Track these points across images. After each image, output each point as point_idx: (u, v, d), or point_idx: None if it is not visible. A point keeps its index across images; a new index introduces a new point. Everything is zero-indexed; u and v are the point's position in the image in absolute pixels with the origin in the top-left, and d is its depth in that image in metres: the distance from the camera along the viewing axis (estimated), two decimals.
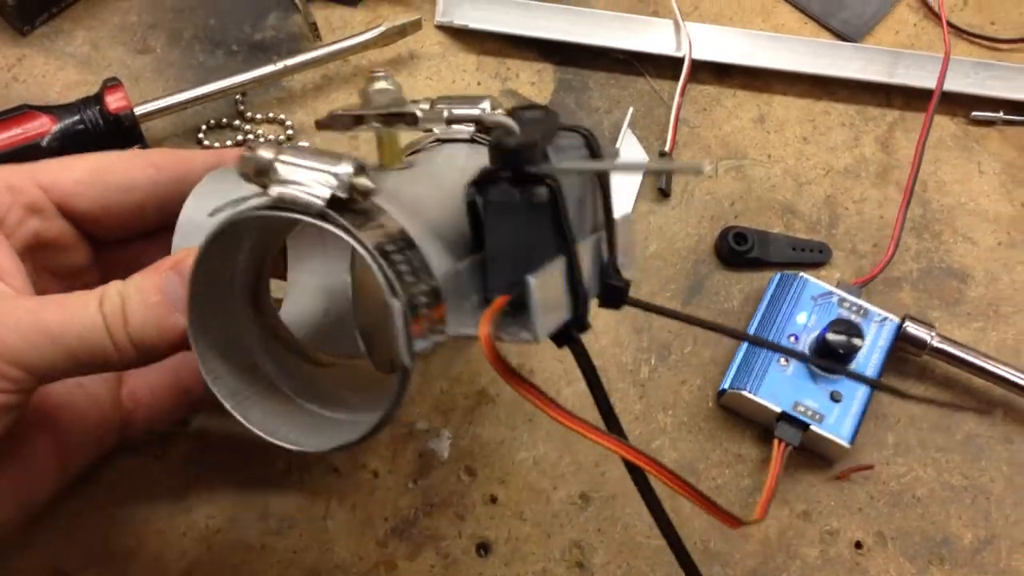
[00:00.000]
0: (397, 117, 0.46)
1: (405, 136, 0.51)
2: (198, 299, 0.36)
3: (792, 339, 0.56)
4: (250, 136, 0.62)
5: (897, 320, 0.58)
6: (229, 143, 0.62)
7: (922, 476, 0.57)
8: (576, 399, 0.55)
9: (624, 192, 0.63)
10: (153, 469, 0.51)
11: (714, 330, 0.57)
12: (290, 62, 0.62)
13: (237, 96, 0.63)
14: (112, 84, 0.57)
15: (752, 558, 0.54)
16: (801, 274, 0.59)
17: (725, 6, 0.72)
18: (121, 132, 0.57)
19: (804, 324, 0.56)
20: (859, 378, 0.55)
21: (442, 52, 0.67)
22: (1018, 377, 0.58)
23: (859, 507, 0.56)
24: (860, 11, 0.73)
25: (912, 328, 0.58)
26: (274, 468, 0.52)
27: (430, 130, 0.48)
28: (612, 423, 0.37)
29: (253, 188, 0.35)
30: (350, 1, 0.68)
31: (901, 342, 0.58)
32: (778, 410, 0.54)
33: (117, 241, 0.47)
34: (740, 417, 0.57)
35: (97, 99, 0.57)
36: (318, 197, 0.33)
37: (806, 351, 0.55)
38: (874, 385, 0.56)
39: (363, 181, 0.34)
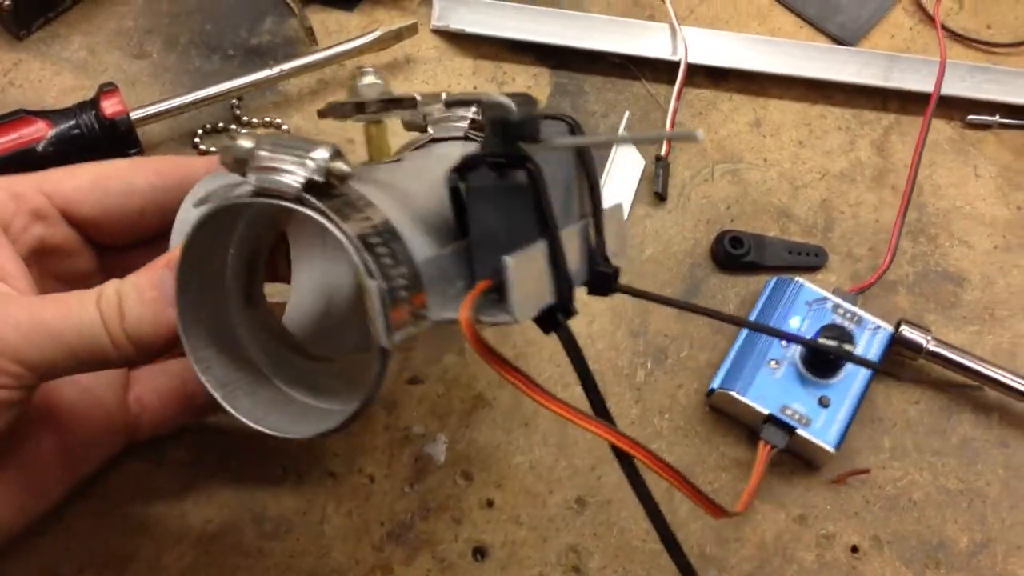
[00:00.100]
0: (396, 102, 0.47)
1: (404, 137, 0.51)
2: (187, 290, 0.37)
3: (784, 343, 0.56)
4: None
5: (891, 329, 0.58)
6: None
7: (918, 480, 0.57)
8: (572, 403, 0.55)
9: (620, 195, 0.64)
10: (150, 473, 0.51)
11: (709, 316, 0.57)
12: (286, 66, 0.62)
13: (233, 100, 0.63)
14: (108, 89, 0.57)
15: (748, 562, 0.54)
16: (796, 278, 0.59)
17: (721, 10, 0.72)
18: (117, 137, 0.57)
19: (797, 328, 0.57)
20: (860, 361, 0.56)
21: (438, 56, 0.67)
22: (1014, 381, 0.58)
23: (855, 511, 0.56)
24: (856, 15, 0.73)
25: (908, 332, 0.58)
26: (271, 472, 0.52)
27: (425, 129, 0.49)
28: (600, 409, 0.37)
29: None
30: (346, 5, 0.68)
31: (897, 346, 0.58)
32: (765, 412, 0.54)
33: (121, 247, 0.48)
34: (736, 421, 0.57)
35: (93, 104, 0.57)
36: (294, 182, 0.34)
37: (797, 356, 0.55)
38: (874, 368, 0.57)
39: (339, 165, 0.34)
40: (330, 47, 0.63)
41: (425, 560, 0.52)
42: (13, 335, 0.37)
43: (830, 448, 0.54)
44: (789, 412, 0.54)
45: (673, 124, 0.66)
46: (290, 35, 0.66)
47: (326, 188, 0.34)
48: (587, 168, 0.41)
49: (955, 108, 0.70)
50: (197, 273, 0.38)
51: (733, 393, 0.55)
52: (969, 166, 0.68)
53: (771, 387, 0.55)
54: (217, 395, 0.38)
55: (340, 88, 0.65)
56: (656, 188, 0.64)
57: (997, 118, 0.70)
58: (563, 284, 0.37)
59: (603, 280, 0.41)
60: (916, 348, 0.58)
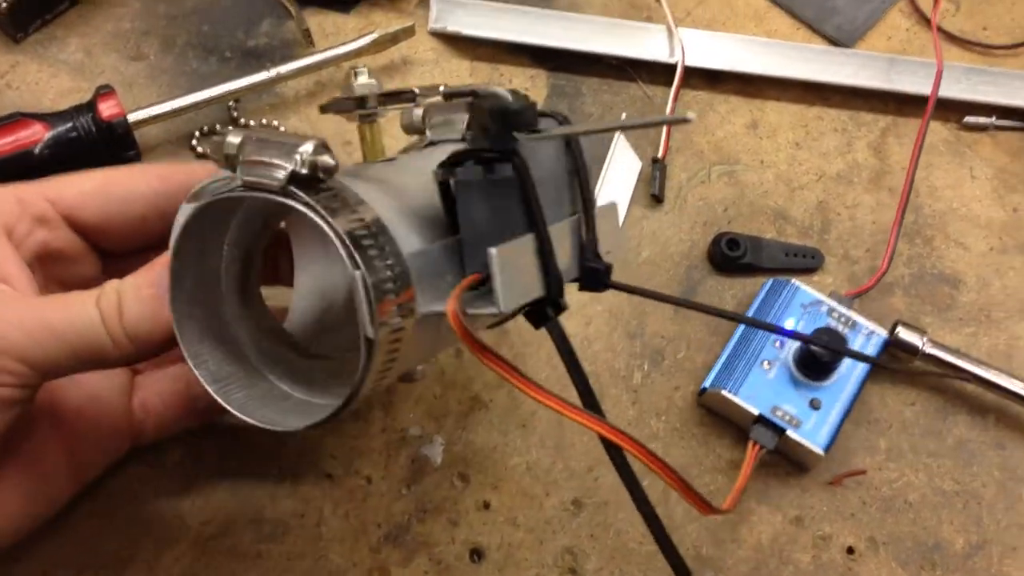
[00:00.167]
0: (396, 95, 0.47)
1: (402, 141, 0.51)
2: (181, 286, 0.38)
3: (777, 344, 0.56)
4: None
5: (885, 334, 0.58)
6: None
7: (914, 481, 0.57)
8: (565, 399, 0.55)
9: (617, 197, 0.64)
10: (148, 476, 0.51)
11: (704, 311, 0.57)
12: (283, 69, 0.62)
13: (230, 103, 0.63)
14: (105, 91, 0.57)
15: (745, 564, 0.54)
16: (793, 281, 0.59)
17: (718, 12, 0.72)
18: (114, 139, 0.57)
19: (791, 332, 0.56)
20: (857, 356, 0.56)
21: (435, 58, 0.68)
22: (1009, 383, 0.58)
23: (851, 512, 0.56)
24: (852, 16, 0.73)
25: (904, 334, 0.58)
26: (268, 475, 0.52)
27: (422, 132, 0.49)
28: (589, 401, 0.37)
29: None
30: (343, 8, 0.68)
31: (893, 348, 0.58)
32: (755, 412, 0.54)
33: (124, 252, 0.48)
34: (732, 424, 0.57)
35: (90, 106, 0.57)
36: (280, 175, 0.34)
37: (790, 358, 0.55)
38: (872, 362, 0.57)
39: (325, 159, 0.35)
40: (327, 49, 0.63)
41: (422, 562, 0.52)
42: (15, 334, 0.38)
43: (819, 450, 0.54)
44: (780, 413, 0.54)
45: (670, 126, 0.66)
46: (287, 37, 0.66)
47: (313, 181, 0.35)
48: (577, 163, 0.42)
49: (951, 110, 0.70)
50: (191, 269, 0.39)
51: (724, 392, 0.55)
52: (965, 168, 0.69)
53: (763, 388, 0.55)
54: (210, 388, 0.39)
55: (337, 90, 0.65)
56: (653, 190, 0.64)
57: (993, 120, 0.70)
58: (551, 277, 0.37)
59: (594, 276, 0.41)
60: (912, 350, 0.58)
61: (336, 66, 0.65)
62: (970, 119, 0.70)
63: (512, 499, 0.54)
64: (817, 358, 0.54)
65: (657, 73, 0.69)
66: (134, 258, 0.48)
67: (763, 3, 0.73)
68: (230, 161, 0.36)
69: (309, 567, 0.51)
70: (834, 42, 0.72)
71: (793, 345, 0.56)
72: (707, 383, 0.56)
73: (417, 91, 0.46)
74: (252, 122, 0.63)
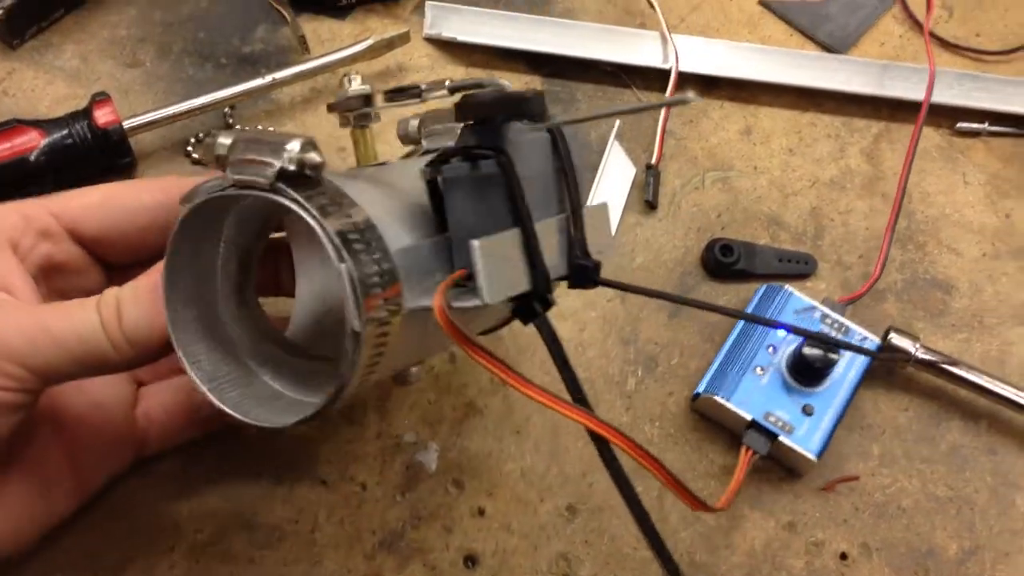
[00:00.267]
0: (402, 92, 0.47)
1: (396, 149, 0.52)
2: (175, 286, 0.39)
3: (770, 350, 0.56)
4: None
5: (877, 340, 0.58)
6: None
7: (907, 487, 0.57)
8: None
9: (611, 204, 0.64)
10: (142, 483, 0.51)
11: (698, 307, 0.57)
12: (279, 75, 0.62)
13: (226, 109, 0.63)
14: (100, 98, 0.57)
15: (738, 570, 0.54)
16: (786, 287, 0.59)
17: (712, 18, 0.73)
18: (110, 146, 0.57)
19: (784, 337, 0.57)
20: (855, 349, 0.56)
21: (430, 64, 0.68)
22: (1002, 388, 0.58)
23: (844, 518, 0.56)
24: (845, 23, 0.73)
25: (896, 339, 0.58)
26: (263, 481, 0.52)
27: (418, 142, 0.49)
28: (577, 395, 0.36)
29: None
30: (339, 14, 0.68)
31: (886, 353, 0.59)
32: (748, 418, 0.54)
33: (128, 265, 0.48)
34: (726, 430, 0.57)
35: (85, 113, 0.57)
36: (269, 172, 0.35)
37: (783, 364, 0.56)
38: (872, 355, 0.57)
39: (312, 156, 0.35)
40: (322, 55, 0.64)
41: (416, 569, 0.52)
42: (15, 339, 0.38)
43: (812, 456, 0.54)
44: (772, 419, 0.54)
45: (664, 132, 0.66)
46: (283, 44, 0.66)
47: (301, 179, 0.36)
48: (563, 160, 0.42)
49: (944, 116, 0.70)
50: (186, 270, 0.39)
51: (717, 398, 0.55)
52: (958, 174, 0.69)
53: (756, 393, 0.55)
54: (204, 388, 0.39)
55: (333, 97, 0.65)
56: (647, 196, 0.64)
57: (986, 126, 0.70)
58: (537, 271, 0.37)
59: (583, 272, 0.41)
60: (905, 356, 0.58)
61: (332, 72, 0.65)
62: (963, 125, 0.70)
63: (506, 505, 0.54)
64: (810, 364, 0.54)
65: (651, 79, 0.69)
66: (137, 270, 0.49)
67: (757, 9, 0.74)
68: (221, 162, 0.37)
69: (303, 574, 0.51)
70: (827, 48, 0.72)
71: (786, 351, 0.56)
72: (700, 389, 0.56)
73: (423, 87, 0.47)
74: (247, 128, 0.63)
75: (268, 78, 0.62)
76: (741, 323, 0.58)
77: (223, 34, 0.66)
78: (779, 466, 0.57)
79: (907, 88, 0.69)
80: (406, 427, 0.55)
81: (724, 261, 0.62)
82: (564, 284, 0.40)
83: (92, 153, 0.57)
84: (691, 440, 0.57)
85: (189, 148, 0.62)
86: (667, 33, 0.69)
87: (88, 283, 0.48)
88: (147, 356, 0.40)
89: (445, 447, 0.55)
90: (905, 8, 0.75)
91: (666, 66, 0.68)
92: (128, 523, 0.51)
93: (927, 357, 0.58)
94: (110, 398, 0.48)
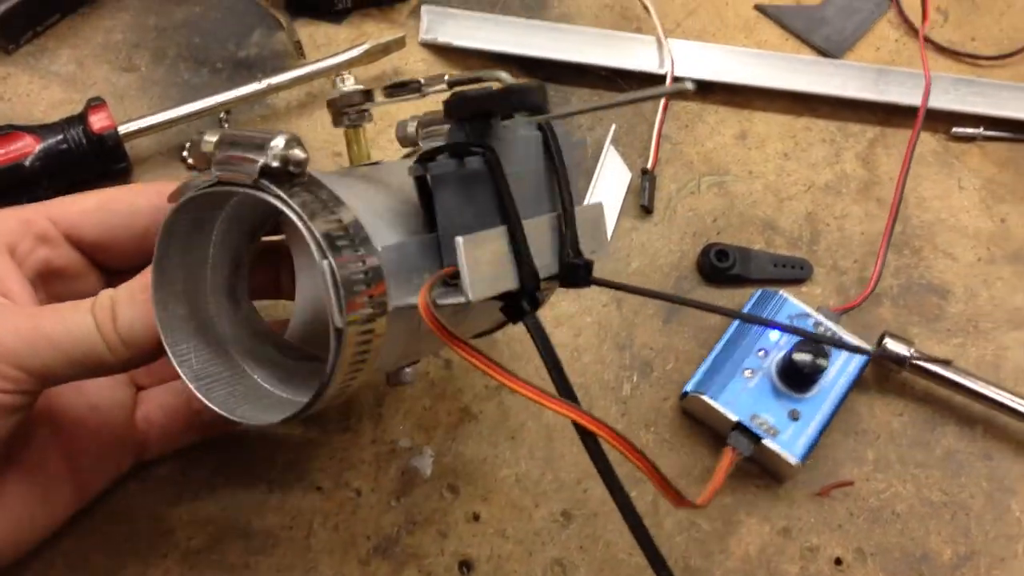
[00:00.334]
0: (402, 86, 0.47)
1: (390, 152, 0.52)
2: (165, 285, 0.39)
3: (761, 353, 0.56)
4: None
5: (869, 350, 0.58)
6: None
7: (902, 492, 0.58)
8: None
9: (606, 208, 0.64)
10: (136, 489, 0.51)
11: (692, 306, 0.57)
12: (274, 80, 0.62)
13: (221, 114, 0.63)
14: (96, 104, 0.57)
15: (733, 575, 0.54)
16: (781, 292, 0.59)
17: (708, 23, 0.73)
18: (105, 151, 0.57)
19: (775, 341, 0.57)
20: (849, 347, 0.56)
21: (426, 69, 0.68)
22: (997, 394, 0.58)
23: (839, 523, 0.56)
24: (841, 27, 0.73)
25: (891, 344, 0.59)
26: (257, 488, 0.52)
27: (416, 144, 0.49)
28: (565, 390, 0.36)
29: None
30: (334, 19, 0.68)
31: (880, 358, 0.59)
32: (735, 419, 0.54)
33: (125, 269, 0.48)
34: (720, 435, 0.57)
35: (81, 119, 0.57)
36: (252, 169, 0.35)
37: (773, 368, 0.56)
38: (868, 354, 0.58)
39: (295, 152, 0.36)
40: (318, 60, 0.64)
41: (411, 574, 0.52)
42: (12, 341, 0.39)
43: (794, 461, 0.54)
44: (758, 421, 0.54)
45: (659, 136, 0.66)
46: (278, 48, 0.66)
47: (285, 175, 0.36)
48: (554, 158, 0.42)
49: (940, 120, 0.70)
50: (176, 268, 0.40)
51: (704, 397, 0.55)
52: (953, 178, 0.69)
53: (743, 395, 0.55)
54: (192, 386, 0.40)
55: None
56: (642, 201, 0.64)
57: (981, 130, 0.70)
58: (525, 269, 0.37)
59: (574, 271, 0.41)
60: (899, 361, 0.58)
61: (327, 77, 0.65)
62: (958, 130, 0.70)
63: (501, 511, 0.54)
64: (799, 369, 0.54)
65: (647, 84, 0.69)
66: (134, 275, 0.49)
67: (752, 14, 0.74)
68: (208, 159, 0.37)
69: None
70: (823, 53, 0.72)
71: (776, 356, 0.56)
72: (688, 387, 0.56)
73: (422, 81, 0.47)
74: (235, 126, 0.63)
75: (263, 83, 0.62)
76: (734, 325, 0.59)
77: (218, 39, 0.66)
78: (763, 470, 0.57)
79: (902, 93, 0.69)
80: (401, 433, 0.55)
81: (719, 266, 0.62)
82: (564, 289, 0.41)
83: (87, 159, 0.57)
84: (686, 445, 0.57)
85: (184, 153, 0.62)
86: (663, 38, 0.69)
87: (86, 288, 0.48)
88: (143, 357, 0.40)
89: (440, 452, 0.55)
90: (900, 13, 0.75)
91: (662, 71, 0.68)
92: (122, 530, 0.51)
93: (921, 362, 0.58)
94: (109, 401, 0.48)
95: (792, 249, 0.65)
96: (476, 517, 0.54)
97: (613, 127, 0.66)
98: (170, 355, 0.40)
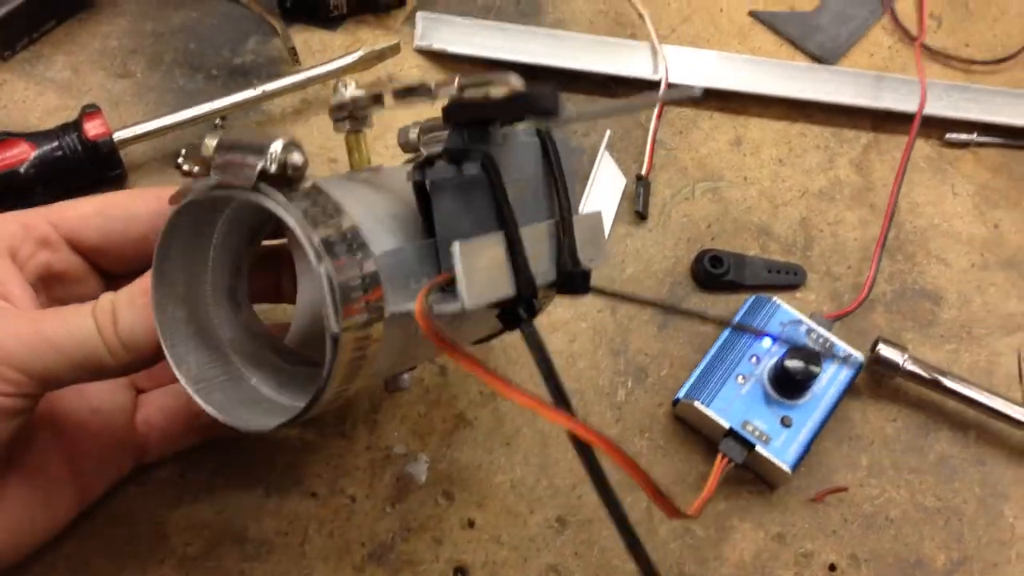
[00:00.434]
0: (412, 91, 0.47)
1: (400, 157, 0.52)
2: (165, 288, 0.39)
3: (753, 360, 0.57)
4: None
5: (862, 357, 0.58)
6: None
7: (895, 498, 0.58)
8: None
9: (602, 214, 0.64)
10: (132, 495, 0.51)
11: (685, 315, 0.58)
12: (269, 87, 0.62)
13: (217, 120, 0.63)
14: (91, 111, 0.57)
15: None
16: (774, 298, 0.59)
17: (702, 29, 0.73)
18: (100, 158, 0.57)
19: (768, 348, 0.57)
20: (838, 357, 0.56)
21: (421, 75, 0.68)
22: (990, 399, 0.59)
23: (833, 529, 0.56)
24: (835, 34, 0.74)
25: (885, 350, 0.59)
26: (253, 494, 0.53)
27: (418, 151, 0.49)
28: (560, 399, 0.36)
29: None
30: (329, 25, 0.68)
31: (874, 364, 0.59)
32: (726, 426, 0.55)
33: (126, 274, 0.49)
34: (713, 442, 0.57)
35: (76, 126, 0.57)
36: (250, 173, 0.35)
37: (765, 374, 0.56)
38: (862, 365, 0.58)
39: (294, 156, 0.36)
40: (313, 67, 0.64)
41: None
42: (14, 344, 0.39)
43: (786, 468, 0.54)
44: (750, 428, 0.54)
45: (654, 142, 0.66)
46: (273, 55, 0.66)
47: (284, 180, 0.36)
48: (553, 165, 0.42)
49: (933, 126, 0.70)
50: (176, 271, 0.40)
51: (696, 404, 0.55)
52: (947, 184, 0.69)
53: (735, 402, 0.55)
54: (189, 389, 0.40)
55: (324, 108, 0.65)
56: (637, 207, 0.64)
57: (975, 136, 0.70)
58: (523, 276, 0.37)
59: (571, 279, 0.41)
60: (893, 367, 0.59)
61: (322, 84, 0.65)
62: (952, 135, 0.71)
63: (496, 517, 0.54)
64: (791, 376, 0.54)
65: (642, 90, 0.69)
66: (135, 279, 0.49)
67: (747, 20, 0.74)
68: (207, 163, 0.37)
69: None
70: (817, 59, 0.73)
71: (769, 362, 0.56)
72: (681, 394, 0.57)
73: (433, 85, 0.47)
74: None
75: (259, 90, 0.62)
76: (727, 331, 0.59)
77: (214, 45, 0.66)
78: (756, 476, 0.57)
79: (896, 99, 0.70)
80: (396, 439, 0.55)
81: (714, 272, 0.62)
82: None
83: (82, 165, 0.57)
84: (680, 451, 0.57)
85: (180, 160, 0.61)
86: (657, 44, 0.69)
87: (87, 291, 0.48)
88: (143, 360, 0.41)
89: (435, 459, 0.55)
90: (895, 19, 0.75)
91: (656, 77, 0.68)
92: (127, 530, 0.51)
93: (915, 369, 0.59)
94: (110, 404, 0.48)
95: (786, 255, 0.65)
96: (471, 523, 0.54)
97: (608, 133, 0.66)
98: (169, 358, 0.40)
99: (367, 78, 0.66)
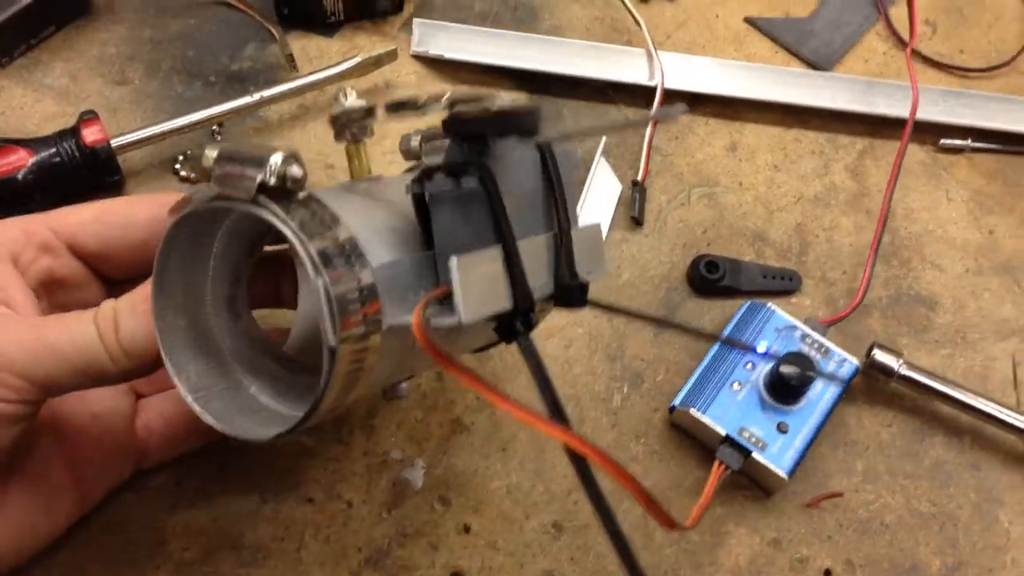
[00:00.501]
0: (402, 106, 0.48)
1: (400, 165, 0.52)
2: (165, 297, 0.40)
3: (748, 366, 0.57)
4: None
5: (856, 363, 0.58)
6: None
7: (890, 503, 0.58)
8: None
9: (598, 220, 0.64)
10: (128, 501, 0.52)
11: (680, 329, 0.58)
12: (267, 93, 0.62)
13: (214, 127, 0.63)
14: (88, 117, 0.58)
15: None
16: (768, 304, 0.59)
17: (697, 35, 0.73)
18: (97, 165, 0.57)
19: (763, 354, 0.57)
20: (825, 376, 0.56)
21: (418, 82, 0.68)
22: (985, 404, 0.59)
23: (828, 535, 0.56)
24: (830, 40, 0.74)
25: (880, 355, 0.59)
26: (249, 500, 0.53)
27: (420, 158, 0.49)
28: (556, 412, 0.36)
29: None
30: (327, 31, 0.69)
31: (869, 369, 0.59)
32: (723, 433, 0.55)
33: (127, 279, 0.49)
34: (709, 447, 0.57)
35: (74, 132, 0.57)
36: (250, 185, 0.35)
37: (760, 381, 0.56)
38: (857, 370, 0.58)
39: (293, 169, 0.36)
40: (311, 73, 0.64)
41: None
42: (16, 351, 0.39)
43: (783, 474, 0.54)
44: (746, 435, 0.55)
45: (650, 148, 0.67)
46: (271, 61, 0.67)
47: (283, 192, 0.36)
48: (552, 178, 0.42)
49: (928, 132, 0.71)
50: (176, 280, 0.40)
51: (692, 411, 0.55)
52: (941, 190, 0.69)
53: (731, 408, 0.55)
54: (188, 398, 0.40)
55: (321, 114, 0.65)
56: (633, 213, 0.65)
57: (969, 142, 0.71)
58: (520, 290, 0.37)
59: (569, 292, 0.41)
60: (888, 372, 0.59)
61: (320, 90, 0.65)
62: (946, 141, 0.71)
63: (492, 522, 0.54)
64: (786, 382, 0.54)
65: (637, 96, 0.69)
66: (136, 285, 0.49)
67: (742, 26, 0.74)
68: (207, 174, 0.37)
69: None
70: (812, 65, 0.73)
71: (764, 368, 0.56)
72: (677, 401, 0.57)
73: (421, 101, 0.47)
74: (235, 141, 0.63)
75: (256, 96, 0.62)
76: (723, 336, 0.59)
77: (212, 52, 0.66)
78: (752, 482, 0.57)
79: (891, 105, 0.70)
80: (392, 444, 0.55)
81: (709, 277, 0.62)
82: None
83: (80, 172, 0.57)
84: (676, 457, 0.58)
85: (177, 166, 0.62)
86: (653, 50, 0.69)
87: (88, 297, 0.48)
88: (144, 367, 0.41)
89: (431, 464, 0.55)
90: (889, 25, 0.75)
91: (652, 83, 0.69)
92: (123, 537, 0.51)
93: (910, 374, 0.59)
94: (110, 410, 0.48)
95: (782, 260, 0.65)
96: (467, 529, 0.54)
97: (603, 139, 0.67)
98: (168, 367, 0.40)
99: (364, 84, 0.67)
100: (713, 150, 0.69)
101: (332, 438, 0.55)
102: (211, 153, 0.37)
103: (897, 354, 0.59)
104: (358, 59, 0.65)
